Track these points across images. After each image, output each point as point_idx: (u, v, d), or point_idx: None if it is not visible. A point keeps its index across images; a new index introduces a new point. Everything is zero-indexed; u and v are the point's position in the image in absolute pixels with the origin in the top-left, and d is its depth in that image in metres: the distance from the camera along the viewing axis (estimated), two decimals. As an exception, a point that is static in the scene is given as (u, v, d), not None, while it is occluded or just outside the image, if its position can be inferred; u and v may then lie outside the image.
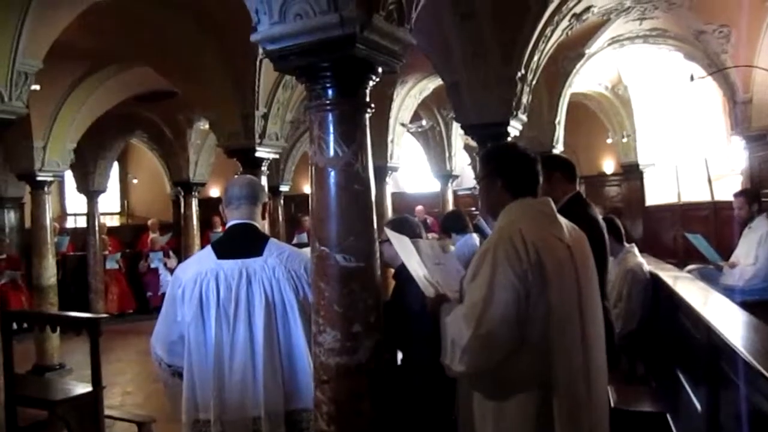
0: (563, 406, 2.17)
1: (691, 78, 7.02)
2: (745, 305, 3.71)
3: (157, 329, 2.72)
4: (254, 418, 2.51)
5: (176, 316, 2.63)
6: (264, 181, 6.37)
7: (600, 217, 3.58)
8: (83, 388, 4.97)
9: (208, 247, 2.74)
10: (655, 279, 4.92)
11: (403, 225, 3.24)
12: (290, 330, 2.58)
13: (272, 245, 2.68)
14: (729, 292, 5.05)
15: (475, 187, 9.76)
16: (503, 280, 2.16)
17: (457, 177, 12.36)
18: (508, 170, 2.42)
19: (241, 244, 2.67)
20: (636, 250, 5.20)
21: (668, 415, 3.80)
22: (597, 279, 2.44)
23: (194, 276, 2.61)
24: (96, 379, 4.88)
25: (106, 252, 11.80)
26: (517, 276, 2.16)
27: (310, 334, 2.55)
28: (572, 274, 2.28)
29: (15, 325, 5.96)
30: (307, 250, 2.59)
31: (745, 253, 5.79)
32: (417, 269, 2.55)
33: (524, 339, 2.16)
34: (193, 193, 10.98)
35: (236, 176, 3.15)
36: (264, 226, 2.80)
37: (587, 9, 5.61)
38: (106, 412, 5.11)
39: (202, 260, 2.69)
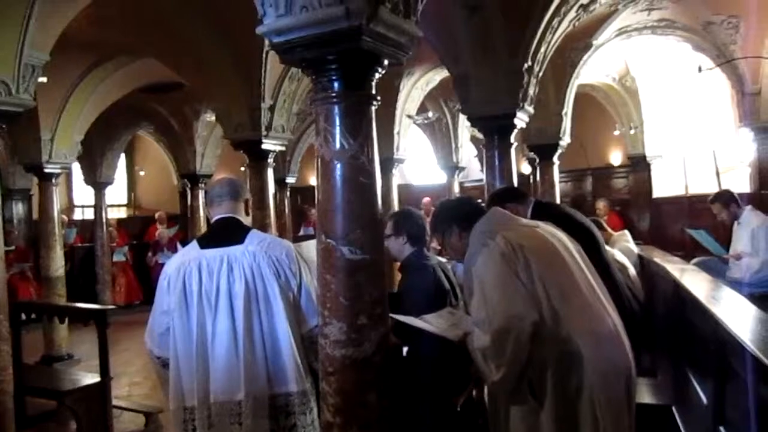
0: (595, 371, 2.30)
1: (699, 69, 6.97)
2: (752, 298, 3.70)
3: (149, 322, 2.77)
4: (238, 401, 2.54)
5: (163, 306, 2.68)
6: (270, 172, 6.37)
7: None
8: (91, 378, 5.00)
9: (194, 241, 2.82)
10: (648, 265, 4.86)
11: (407, 218, 3.25)
12: (273, 315, 2.60)
13: (254, 234, 2.74)
14: (736, 285, 5.03)
15: (481, 180, 9.74)
16: (488, 275, 2.35)
17: (463, 169, 12.34)
18: (453, 217, 2.77)
19: (223, 234, 2.73)
20: (627, 238, 5.14)
21: (674, 408, 3.80)
22: (581, 249, 2.65)
23: (178, 266, 2.68)
24: (104, 370, 4.91)
25: (114, 244, 11.86)
26: (497, 263, 2.35)
27: (293, 318, 2.62)
28: (550, 245, 2.49)
29: (24, 316, 5.99)
30: (312, 243, 2.61)
31: (740, 249, 5.77)
32: (436, 329, 2.62)
33: (541, 319, 2.27)
34: (199, 184, 11.00)
35: (216, 179, 3.20)
36: (249, 221, 2.86)
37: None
38: (114, 402, 5.14)
39: (187, 252, 2.76)
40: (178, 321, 2.61)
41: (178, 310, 2.61)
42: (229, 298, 2.59)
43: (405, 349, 3.11)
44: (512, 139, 5.43)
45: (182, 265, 2.66)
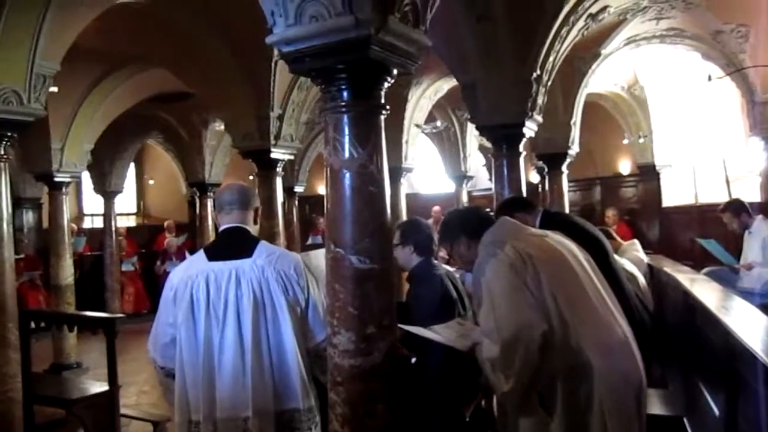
0: (605, 382, 2.29)
1: (709, 78, 6.95)
2: (764, 308, 3.67)
3: (152, 332, 2.74)
4: (244, 418, 2.51)
5: (168, 318, 2.66)
6: (279, 182, 6.39)
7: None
8: (100, 387, 5.00)
9: (201, 251, 2.78)
10: (658, 275, 4.83)
11: (414, 228, 3.25)
12: (280, 330, 2.58)
13: (262, 247, 2.70)
14: (748, 295, 5.00)
15: (489, 189, 9.74)
16: (497, 285, 2.35)
17: (471, 178, 12.35)
18: (461, 226, 2.78)
19: (231, 246, 2.69)
20: (637, 247, 5.13)
21: (685, 419, 3.76)
22: (590, 259, 2.64)
23: (185, 278, 2.64)
24: (112, 378, 4.92)
25: (123, 253, 11.91)
26: (506, 273, 2.34)
27: (300, 334, 2.59)
28: (559, 255, 2.49)
29: (33, 324, 6.01)
30: (321, 252, 2.60)
31: (751, 259, 5.74)
32: (445, 339, 2.61)
33: (550, 329, 2.26)
34: (208, 193, 11.02)
35: (226, 183, 3.17)
36: (256, 230, 2.83)
37: (603, 9, 5.57)
38: (122, 411, 5.14)
39: (194, 263, 2.73)
40: (185, 334, 2.59)
41: (185, 323, 2.59)
42: (236, 313, 2.56)
43: (413, 359, 3.11)
44: (521, 148, 5.43)
45: (189, 278, 2.64)
